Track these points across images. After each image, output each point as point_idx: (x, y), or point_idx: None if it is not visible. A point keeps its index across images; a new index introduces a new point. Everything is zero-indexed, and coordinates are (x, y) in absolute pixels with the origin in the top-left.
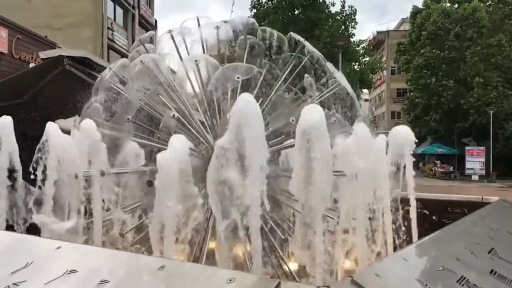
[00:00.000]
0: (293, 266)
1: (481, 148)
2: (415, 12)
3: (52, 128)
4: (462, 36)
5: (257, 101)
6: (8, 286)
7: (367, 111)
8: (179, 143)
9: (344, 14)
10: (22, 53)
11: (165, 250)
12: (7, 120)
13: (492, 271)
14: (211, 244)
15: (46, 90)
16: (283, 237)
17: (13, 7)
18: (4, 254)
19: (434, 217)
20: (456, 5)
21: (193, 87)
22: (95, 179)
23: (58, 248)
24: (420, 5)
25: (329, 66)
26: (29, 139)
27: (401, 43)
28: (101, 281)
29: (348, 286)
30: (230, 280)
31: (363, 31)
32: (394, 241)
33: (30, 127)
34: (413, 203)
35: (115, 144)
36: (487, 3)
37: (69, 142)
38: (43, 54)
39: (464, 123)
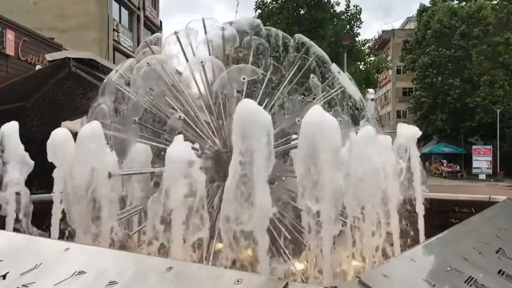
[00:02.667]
0: (299, 266)
1: (488, 147)
2: (422, 10)
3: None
4: (467, 34)
5: (263, 102)
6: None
7: (372, 111)
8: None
9: (349, 14)
10: (28, 55)
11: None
12: (13, 127)
13: (500, 271)
14: (218, 245)
15: (53, 92)
16: (289, 237)
17: (19, 10)
18: (13, 255)
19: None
20: (464, 3)
21: (199, 88)
22: (103, 180)
23: (67, 249)
24: (426, 3)
25: (334, 67)
26: (35, 141)
27: (407, 41)
28: (109, 282)
29: (355, 286)
30: (238, 281)
31: (369, 31)
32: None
33: (37, 129)
34: (420, 203)
35: (122, 146)
36: (493, 2)
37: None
38: (49, 56)
39: (471, 122)
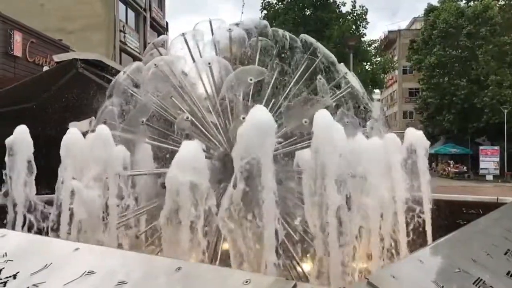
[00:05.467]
0: (306, 267)
1: (495, 147)
2: (429, 10)
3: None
4: (474, 34)
5: (270, 102)
6: (28, 287)
7: (379, 111)
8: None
9: (355, 14)
10: (36, 57)
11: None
12: (23, 129)
13: (508, 272)
14: (225, 246)
15: (60, 93)
16: (296, 238)
17: (26, 12)
18: (23, 255)
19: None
20: (472, 3)
21: (206, 89)
22: (111, 181)
23: (76, 249)
24: (434, 3)
25: (342, 67)
26: (44, 142)
27: (413, 41)
28: (118, 282)
29: (364, 287)
30: (246, 282)
31: (375, 31)
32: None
33: (45, 129)
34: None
35: (129, 147)
36: (500, 2)
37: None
38: (56, 58)
39: (478, 123)
